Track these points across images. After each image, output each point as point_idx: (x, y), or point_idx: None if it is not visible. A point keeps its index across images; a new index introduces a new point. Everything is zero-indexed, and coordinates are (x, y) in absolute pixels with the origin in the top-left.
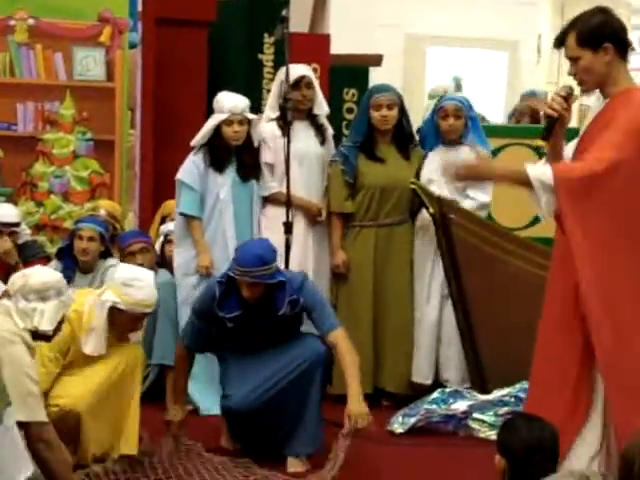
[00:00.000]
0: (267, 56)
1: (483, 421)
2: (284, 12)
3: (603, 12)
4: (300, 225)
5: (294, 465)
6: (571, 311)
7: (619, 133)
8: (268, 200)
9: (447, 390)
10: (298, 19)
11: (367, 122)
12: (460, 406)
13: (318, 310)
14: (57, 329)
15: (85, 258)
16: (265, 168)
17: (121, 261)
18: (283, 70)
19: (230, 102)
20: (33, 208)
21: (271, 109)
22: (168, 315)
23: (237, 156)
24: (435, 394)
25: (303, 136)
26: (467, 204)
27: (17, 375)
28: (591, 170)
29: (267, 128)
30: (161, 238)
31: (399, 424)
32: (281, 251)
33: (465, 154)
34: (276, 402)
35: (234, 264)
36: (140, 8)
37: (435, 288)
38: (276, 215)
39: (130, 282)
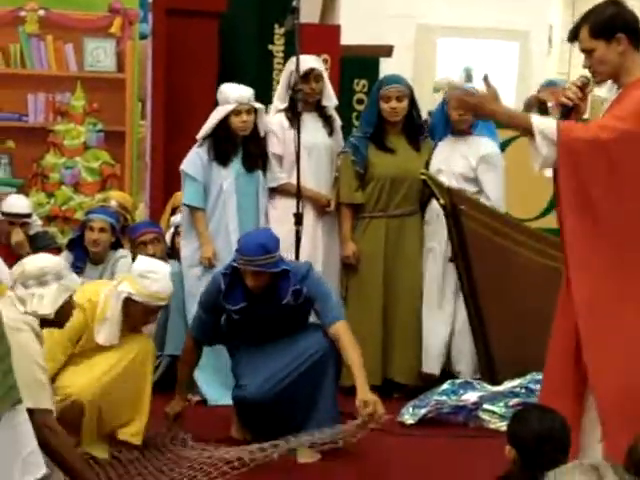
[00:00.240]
0: (277, 47)
1: (493, 412)
2: (294, 3)
3: (615, 4)
4: (309, 216)
5: (305, 456)
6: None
7: (626, 110)
8: (277, 191)
9: (457, 381)
10: (308, 10)
11: (377, 113)
12: (470, 397)
13: (322, 301)
14: (68, 314)
15: (96, 249)
16: (273, 159)
17: (132, 252)
18: (292, 61)
19: (236, 92)
20: (44, 199)
21: (280, 100)
22: (179, 306)
23: (243, 146)
24: (445, 385)
25: (311, 127)
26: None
27: (24, 362)
28: (595, 134)
29: (275, 119)
30: (171, 229)
31: (409, 415)
32: (291, 242)
33: (475, 146)
34: (289, 392)
35: (237, 254)
36: None
37: (449, 279)
38: (285, 206)
39: (146, 274)
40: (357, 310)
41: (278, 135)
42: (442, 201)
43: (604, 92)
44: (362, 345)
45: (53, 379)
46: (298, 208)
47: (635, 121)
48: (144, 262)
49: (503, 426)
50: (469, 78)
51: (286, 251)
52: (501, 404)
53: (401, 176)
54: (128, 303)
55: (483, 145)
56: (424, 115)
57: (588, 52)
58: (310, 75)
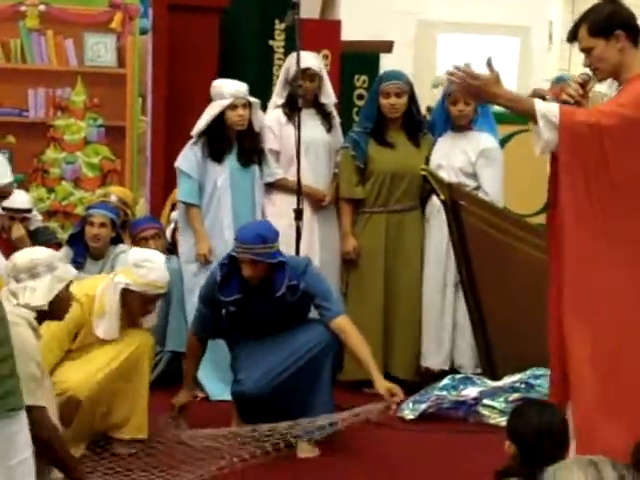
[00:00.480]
0: (278, 42)
1: (493, 407)
2: None
3: (612, 2)
4: (306, 212)
5: (304, 450)
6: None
7: (627, 99)
8: (274, 187)
9: (457, 376)
10: (309, 5)
11: (377, 108)
12: (470, 392)
13: (322, 296)
14: (64, 305)
15: (96, 244)
16: (270, 155)
17: (132, 247)
18: (290, 57)
19: (231, 87)
20: (44, 194)
21: (278, 96)
22: (180, 302)
23: (238, 141)
24: (445, 380)
25: (309, 124)
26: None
27: (20, 357)
28: (596, 119)
29: (273, 115)
30: (172, 225)
31: (410, 410)
32: (288, 238)
33: (474, 141)
34: (287, 387)
35: (235, 242)
36: None
37: (450, 275)
38: (282, 202)
39: (141, 263)
40: (357, 305)
41: (275, 131)
42: (442, 197)
43: (604, 88)
44: None
45: (50, 373)
46: (298, 204)
47: (635, 109)
48: (138, 252)
49: (503, 421)
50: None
51: (283, 246)
52: (501, 399)
53: (401, 171)
54: (126, 294)
55: (483, 140)
56: (423, 111)
57: (587, 51)
58: (305, 74)
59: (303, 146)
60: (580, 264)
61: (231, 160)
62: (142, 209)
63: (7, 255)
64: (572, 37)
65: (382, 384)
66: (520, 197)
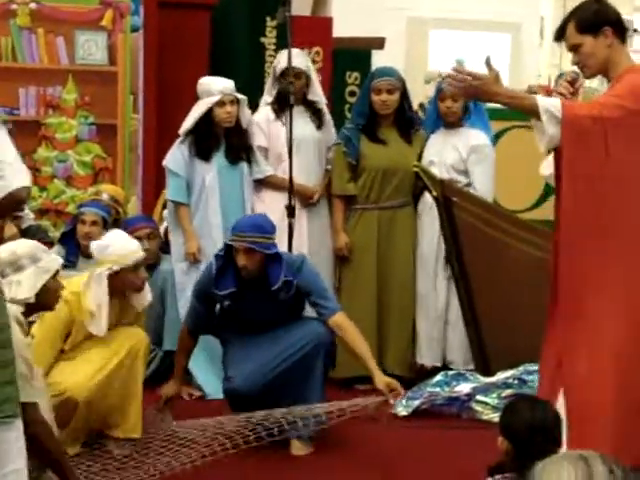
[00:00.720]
0: (269, 39)
1: (486, 403)
2: None
3: (598, 1)
4: (296, 209)
5: (298, 447)
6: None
7: (623, 91)
8: (263, 184)
9: (450, 373)
10: (300, 2)
11: (369, 105)
12: (463, 388)
13: (318, 293)
14: (53, 295)
15: (88, 243)
16: (258, 152)
17: None
18: (278, 55)
19: (219, 84)
20: (36, 192)
21: (267, 93)
22: (175, 302)
23: (225, 139)
24: (438, 377)
25: (299, 121)
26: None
27: None
28: (598, 112)
29: (261, 112)
30: (165, 224)
31: (403, 407)
32: (279, 234)
33: (465, 138)
34: (279, 384)
35: (232, 232)
36: None
37: (441, 271)
38: (272, 199)
39: (105, 248)
40: (350, 302)
41: (263, 128)
42: (434, 193)
43: (596, 83)
44: None
45: (46, 374)
46: (290, 200)
47: (633, 100)
48: (95, 243)
49: (496, 417)
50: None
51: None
52: (494, 395)
53: (392, 168)
54: (111, 279)
55: (473, 137)
56: (415, 107)
57: (576, 48)
58: (288, 73)
59: (293, 143)
60: (579, 263)
61: (219, 158)
62: (134, 207)
63: None
64: (559, 35)
65: (381, 379)
66: (513, 193)
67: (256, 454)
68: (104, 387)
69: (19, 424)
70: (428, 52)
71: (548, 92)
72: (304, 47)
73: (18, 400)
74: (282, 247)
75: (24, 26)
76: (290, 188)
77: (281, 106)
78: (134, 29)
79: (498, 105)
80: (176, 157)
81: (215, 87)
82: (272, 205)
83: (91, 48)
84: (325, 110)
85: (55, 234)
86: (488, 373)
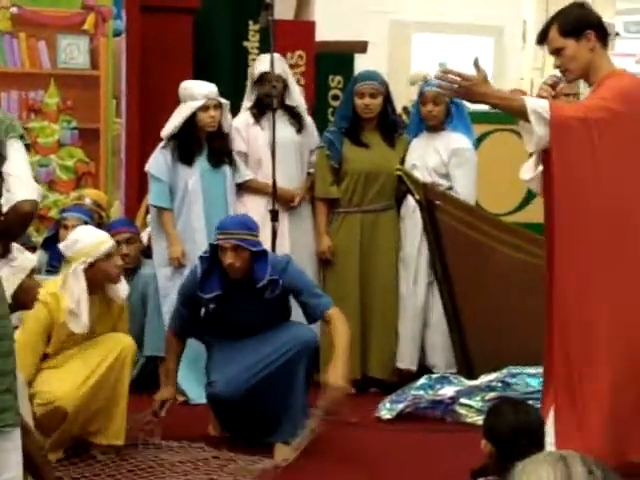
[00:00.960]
0: (252, 43)
1: (470, 406)
2: None
3: (580, 5)
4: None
5: (282, 452)
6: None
7: (608, 93)
8: (243, 188)
9: (434, 376)
10: (283, 6)
11: (352, 108)
12: (447, 392)
13: (308, 290)
14: (30, 294)
15: None
16: (237, 156)
17: None
18: (257, 60)
19: (203, 88)
20: None
21: (247, 98)
22: (156, 307)
23: (208, 143)
24: (422, 380)
25: (278, 125)
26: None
27: None
28: (584, 113)
29: (240, 117)
30: (148, 228)
31: (387, 410)
32: (262, 239)
33: (447, 141)
34: (261, 389)
35: (217, 231)
36: None
37: (422, 274)
38: (253, 203)
39: (74, 241)
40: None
41: (242, 133)
42: (417, 197)
43: (581, 87)
44: None
45: (32, 381)
46: (274, 204)
47: (617, 102)
48: (62, 244)
49: (480, 420)
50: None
51: None
52: (478, 398)
53: (375, 171)
54: (88, 273)
55: (455, 140)
56: (398, 111)
57: (558, 51)
58: (265, 78)
59: (271, 147)
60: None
61: (201, 162)
62: (117, 211)
63: None
64: (542, 39)
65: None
66: (496, 196)
67: (242, 458)
68: (92, 394)
69: (18, 434)
70: (411, 55)
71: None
72: (287, 51)
73: (17, 409)
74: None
75: (5, 30)
76: (274, 192)
77: (260, 111)
78: (116, 33)
79: (480, 108)
80: (158, 162)
81: (199, 91)
82: (253, 209)
83: (73, 52)
84: (304, 114)
85: (38, 239)
86: (472, 376)
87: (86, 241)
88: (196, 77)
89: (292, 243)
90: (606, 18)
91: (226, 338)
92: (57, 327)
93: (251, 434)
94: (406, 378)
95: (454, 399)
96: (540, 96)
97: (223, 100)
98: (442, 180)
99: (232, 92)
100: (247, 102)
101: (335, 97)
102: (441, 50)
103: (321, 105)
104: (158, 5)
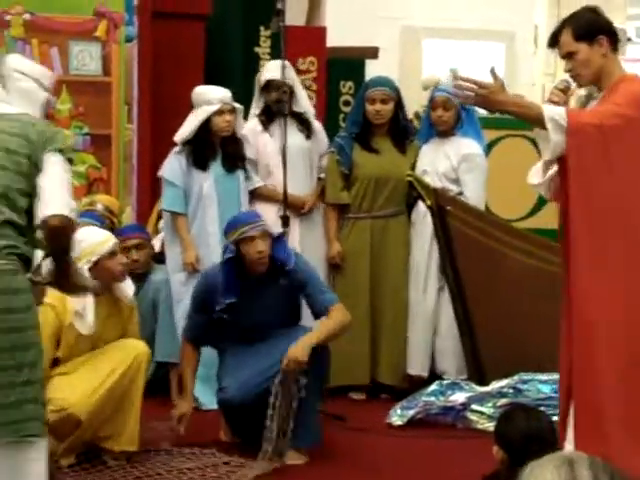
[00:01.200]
0: (263, 49)
1: (482, 413)
2: (279, 5)
3: (592, 10)
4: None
5: (293, 458)
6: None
7: (622, 99)
8: (254, 196)
9: (445, 382)
10: (294, 12)
11: (363, 114)
12: (458, 398)
13: (313, 285)
14: (40, 295)
15: None
16: (248, 163)
17: None
18: (263, 67)
19: (218, 93)
20: None
21: (255, 105)
22: (167, 312)
23: (222, 147)
24: (433, 386)
25: (288, 132)
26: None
27: None
28: (600, 120)
29: (249, 124)
30: (161, 234)
31: (398, 416)
32: None
33: (457, 146)
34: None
35: (232, 231)
36: (136, 2)
37: (432, 280)
38: (263, 210)
39: (77, 242)
40: None
41: (250, 140)
42: (428, 202)
43: (583, 90)
44: (350, 346)
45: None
46: (285, 210)
47: (632, 108)
48: None
49: (491, 427)
50: (455, 80)
51: None
52: (489, 404)
53: (385, 177)
54: (93, 273)
55: (465, 145)
56: (409, 116)
57: (570, 56)
58: (270, 86)
59: (280, 153)
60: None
61: (216, 167)
62: (128, 217)
63: None
64: (554, 42)
65: (292, 348)
66: (507, 202)
67: (251, 463)
68: (105, 401)
69: (43, 445)
70: (422, 61)
71: None
72: (298, 57)
73: (43, 420)
74: None
75: (18, 37)
76: (285, 199)
77: (269, 118)
78: (128, 39)
79: (490, 114)
80: (173, 167)
81: (214, 96)
82: (264, 216)
83: (85, 59)
84: (312, 120)
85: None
86: (483, 382)
87: (89, 240)
88: (207, 83)
89: (303, 249)
90: (617, 24)
91: (239, 343)
92: (65, 329)
93: (262, 440)
94: (417, 384)
95: (465, 405)
96: (551, 101)
97: (237, 105)
98: (452, 185)
99: (244, 98)
100: (255, 109)
101: (346, 103)
102: (452, 55)
103: (332, 111)
104: (170, 11)
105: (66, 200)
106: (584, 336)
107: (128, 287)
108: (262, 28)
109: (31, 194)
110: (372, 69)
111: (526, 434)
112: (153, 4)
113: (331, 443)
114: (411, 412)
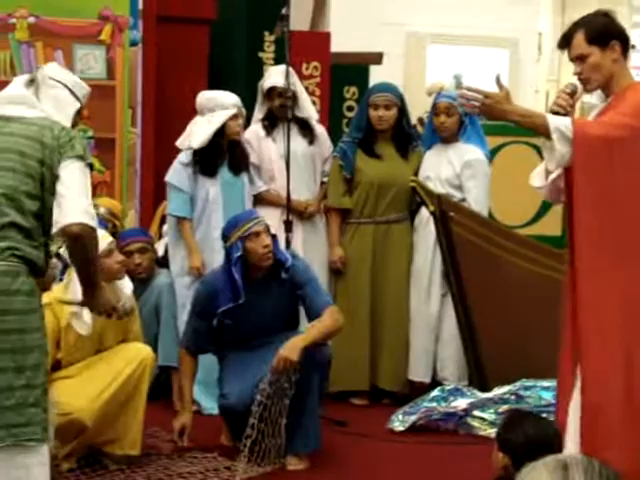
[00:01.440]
0: (268, 54)
1: (483, 419)
2: (284, 10)
3: (606, 15)
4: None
5: (294, 463)
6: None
7: (629, 109)
8: (256, 200)
9: (447, 388)
10: (298, 17)
11: (366, 120)
12: (460, 404)
13: (310, 285)
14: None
15: None
16: (251, 168)
17: None
18: (266, 73)
19: (231, 98)
20: None
21: (258, 110)
22: (172, 317)
23: (228, 151)
24: (435, 392)
25: (289, 137)
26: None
27: None
28: (607, 131)
29: (251, 129)
30: (165, 238)
31: (399, 422)
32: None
33: (460, 152)
34: None
35: (233, 229)
36: (141, 6)
37: (435, 287)
38: (266, 214)
39: None
40: (345, 316)
41: (253, 145)
42: (431, 208)
43: (594, 99)
44: (350, 351)
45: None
46: (288, 215)
47: (637, 119)
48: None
49: (493, 433)
50: (459, 85)
51: None
52: (491, 411)
53: (387, 183)
54: None
55: (468, 152)
56: (413, 122)
57: (581, 58)
58: (273, 92)
59: (282, 158)
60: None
61: (223, 171)
62: (132, 221)
63: None
64: (565, 44)
65: (283, 348)
66: (510, 208)
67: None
68: (109, 405)
69: (45, 450)
70: (426, 67)
71: None
72: (302, 62)
73: (46, 425)
74: None
75: (23, 40)
76: (288, 203)
77: (272, 123)
78: (133, 43)
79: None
80: (180, 172)
81: (229, 101)
82: (267, 221)
83: (89, 62)
84: (315, 125)
85: (52, 248)
86: (485, 389)
87: None
88: (211, 87)
89: (306, 254)
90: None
91: (238, 351)
92: (63, 330)
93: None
94: (419, 390)
95: (467, 411)
96: (558, 104)
97: (243, 109)
98: (455, 191)
99: (248, 103)
100: (258, 114)
101: (350, 108)
102: (456, 62)
103: (336, 116)
104: (174, 15)
105: (86, 207)
106: (592, 340)
107: (126, 286)
108: (266, 33)
109: (43, 198)
110: (376, 75)
111: (532, 440)
112: (158, 8)
113: (332, 448)
114: (412, 418)
